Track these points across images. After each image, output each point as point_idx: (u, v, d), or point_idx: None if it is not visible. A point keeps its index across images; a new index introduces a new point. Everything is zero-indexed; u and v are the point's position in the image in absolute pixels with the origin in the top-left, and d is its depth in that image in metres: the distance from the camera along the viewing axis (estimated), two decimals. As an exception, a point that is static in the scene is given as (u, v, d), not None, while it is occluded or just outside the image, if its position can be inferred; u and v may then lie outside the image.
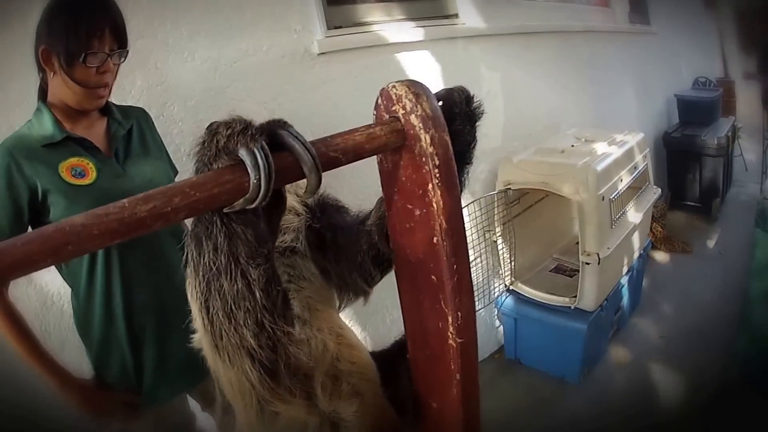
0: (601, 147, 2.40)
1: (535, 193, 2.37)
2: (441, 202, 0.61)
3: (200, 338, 0.67)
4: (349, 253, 0.83)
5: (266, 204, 0.54)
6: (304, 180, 0.55)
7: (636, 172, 2.48)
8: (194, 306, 0.63)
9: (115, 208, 0.49)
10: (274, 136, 0.55)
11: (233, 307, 0.59)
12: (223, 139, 0.53)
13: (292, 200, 0.83)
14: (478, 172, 2.40)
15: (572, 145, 2.42)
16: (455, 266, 0.64)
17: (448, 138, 0.62)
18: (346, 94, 1.91)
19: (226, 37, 1.63)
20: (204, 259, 0.58)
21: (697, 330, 2.63)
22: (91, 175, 1.16)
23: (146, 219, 0.49)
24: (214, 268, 0.58)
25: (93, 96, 1.16)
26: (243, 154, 0.52)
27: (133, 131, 1.27)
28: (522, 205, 2.37)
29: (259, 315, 0.60)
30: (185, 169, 1.59)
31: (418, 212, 0.63)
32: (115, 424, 1.33)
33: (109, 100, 1.24)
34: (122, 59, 1.18)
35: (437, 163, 0.60)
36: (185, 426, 1.46)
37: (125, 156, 1.24)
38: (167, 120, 1.55)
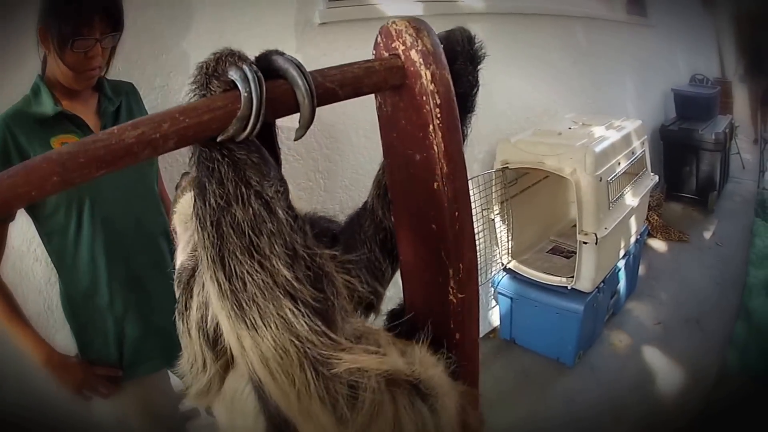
0: (599, 130, 2.40)
1: (533, 175, 2.36)
2: (442, 145, 0.58)
3: (218, 314, 0.53)
4: (353, 249, 0.73)
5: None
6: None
7: (633, 158, 2.48)
8: (206, 270, 0.52)
9: (104, 135, 0.47)
10: (267, 62, 0.52)
11: (252, 236, 0.49)
12: (212, 63, 0.50)
13: None
14: (476, 152, 2.40)
15: (570, 128, 2.41)
16: (456, 213, 0.61)
17: (449, 76, 0.59)
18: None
19: (230, 8, 1.63)
20: (209, 202, 0.50)
21: (695, 318, 2.63)
22: None
23: (134, 146, 0.47)
24: (222, 202, 0.49)
25: (82, 78, 1.18)
26: (232, 73, 0.49)
27: (122, 107, 1.29)
28: (519, 186, 2.36)
29: (287, 237, 0.49)
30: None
31: (418, 156, 0.60)
32: (97, 398, 1.33)
33: (104, 76, 1.26)
34: (116, 41, 1.19)
35: (438, 101, 0.57)
36: (167, 405, 1.46)
37: None
38: (171, 89, 1.55)
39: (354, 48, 1.93)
